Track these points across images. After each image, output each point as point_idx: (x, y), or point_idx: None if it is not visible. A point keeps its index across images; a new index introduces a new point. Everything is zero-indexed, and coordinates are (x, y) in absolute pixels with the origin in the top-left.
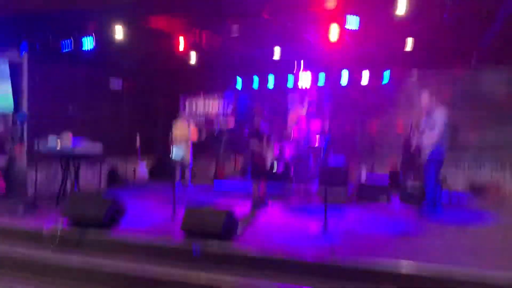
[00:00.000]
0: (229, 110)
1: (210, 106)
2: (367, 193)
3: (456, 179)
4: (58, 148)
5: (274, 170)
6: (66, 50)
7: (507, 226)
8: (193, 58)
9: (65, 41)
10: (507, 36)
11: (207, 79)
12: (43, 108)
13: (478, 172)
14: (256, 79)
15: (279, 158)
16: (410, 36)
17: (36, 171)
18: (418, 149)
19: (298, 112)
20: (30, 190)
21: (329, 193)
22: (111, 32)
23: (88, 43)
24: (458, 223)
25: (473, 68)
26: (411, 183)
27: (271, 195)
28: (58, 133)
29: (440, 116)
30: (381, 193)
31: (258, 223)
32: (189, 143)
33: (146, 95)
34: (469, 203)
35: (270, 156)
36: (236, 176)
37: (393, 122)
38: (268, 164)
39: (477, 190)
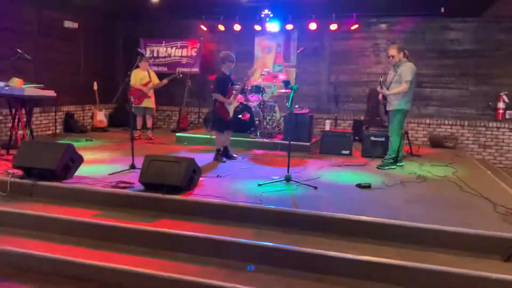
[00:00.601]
0: (194, 54)
1: (173, 51)
2: (330, 145)
3: (417, 133)
4: (7, 91)
5: (239, 120)
6: None
7: (462, 177)
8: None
9: None
10: None
11: (170, 22)
12: None
13: (438, 127)
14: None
15: (243, 108)
16: None
17: None
18: (384, 101)
19: (264, 60)
20: None
21: (293, 146)
22: None
23: None
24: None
25: (442, 16)
26: (374, 135)
27: (235, 147)
28: (7, 78)
29: (406, 71)
30: (343, 144)
31: (222, 173)
32: (152, 90)
33: (104, 36)
34: (427, 156)
35: (234, 106)
36: (200, 127)
37: (360, 71)
38: (231, 114)
39: (436, 143)
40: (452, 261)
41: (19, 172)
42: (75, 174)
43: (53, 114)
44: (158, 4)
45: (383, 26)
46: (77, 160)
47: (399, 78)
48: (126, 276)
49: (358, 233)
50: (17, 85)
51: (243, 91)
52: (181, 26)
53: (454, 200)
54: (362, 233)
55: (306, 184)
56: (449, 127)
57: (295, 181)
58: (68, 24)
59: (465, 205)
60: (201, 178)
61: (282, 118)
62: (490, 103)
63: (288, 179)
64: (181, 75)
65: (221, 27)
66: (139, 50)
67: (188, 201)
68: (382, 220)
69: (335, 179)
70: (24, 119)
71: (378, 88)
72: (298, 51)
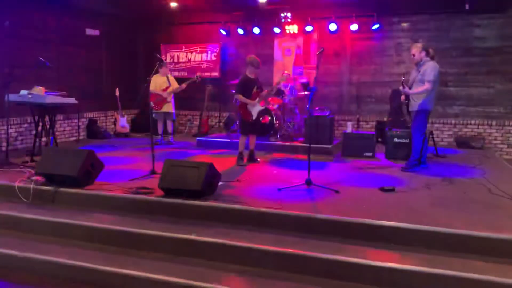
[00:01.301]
0: (213, 59)
1: (193, 56)
2: (353, 147)
3: (442, 134)
4: (29, 99)
5: (260, 123)
6: None
7: (491, 179)
8: (174, 5)
9: None
10: None
11: (189, 27)
12: (12, 58)
13: (464, 127)
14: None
15: (265, 111)
16: None
17: (7, 125)
18: (407, 101)
19: (284, 62)
20: (3, 145)
21: (314, 149)
22: None
23: None
24: (443, 175)
25: (467, 13)
26: (397, 136)
27: (258, 150)
28: (30, 86)
29: (428, 70)
30: (366, 146)
31: (242, 178)
32: (171, 95)
33: (125, 43)
34: (454, 157)
35: (258, 109)
36: (221, 131)
37: (382, 71)
38: (255, 117)
39: (462, 144)
40: (481, 268)
41: (42, 179)
42: (96, 180)
43: (76, 120)
44: (178, 10)
45: (405, 25)
46: (98, 167)
47: (421, 78)
48: (146, 283)
49: (381, 239)
50: (39, 93)
51: (278, 92)
52: (200, 31)
53: (483, 203)
54: (385, 239)
55: (328, 188)
56: (475, 126)
57: (316, 185)
58: (89, 31)
59: (495, 208)
60: (220, 183)
61: (303, 121)
62: None
63: (309, 183)
64: (199, 79)
65: (240, 31)
66: (158, 56)
67: (206, 206)
68: (407, 225)
69: (357, 182)
70: (47, 126)
71: (401, 88)
72: (318, 52)
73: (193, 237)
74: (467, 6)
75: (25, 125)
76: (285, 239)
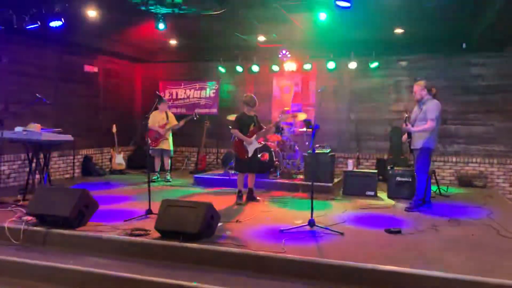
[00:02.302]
0: (212, 95)
1: (192, 93)
2: (354, 186)
3: (443, 172)
4: (25, 136)
5: (259, 162)
6: (31, 26)
7: (498, 220)
8: (173, 43)
9: (30, 17)
10: (497, 24)
11: (188, 64)
12: (8, 94)
13: (466, 166)
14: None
15: (262, 149)
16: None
17: (0, 162)
18: (409, 139)
19: (282, 99)
20: None
21: (314, 187)
22: (83, 9)
23: (56, 20)
24: (448, 216)
25: (464, 52)
26: (399, 175)
27: (257, 188)
28: (25, 123)
29: (431, 108)
30: (368, 185)
31: (241, 218)
32: (169, 132)
33: (123, 79)
34: (457, 196)
35: (255, 146)
36: (219, 168)
37: (381, 109)
38: (250, 154)
39: (464, 182)
40: None
41: (33, 220)
42: (90, 220)
43: (71, 157)
44: (177, 48)
45: (404, 63)
46: (92, 206)
47: (424, 116)
48: None
49: (391, 285)
50: (35, 130)
51: (278, 129)
52: (199, 68)
53: (493, 246)
54: (395, 285)
55: (331, 230)
56: (477, 165)
57: (319, 226)
58: (88, 68)
59: (506, 252)
60: (219, 224)
61: (303, 158)
62: None
63: (312, 224)
64: (197, 116)
65: (239, 69)
66: (157, 92)
67: (205, 249)
68: (417, 271)
69: (361, 223)
70: (42, 164)
71: (403, 125)
72: (319, 90)
73: (192, 284)
74: (464, 46)
75: (19, 162)
76: (288, 286)
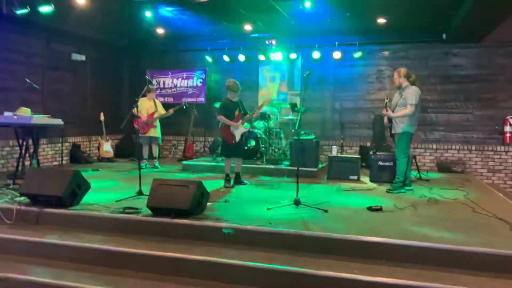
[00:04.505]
0: (199, 85)
1: (179, 82)
2: (338, 170)
3: (424, 159)
4: (15, 120)
5: (246, 147)
6: (21, 11)
7: (473, 200)
8: (160, 31)
9: (20, 2)
10: (476, 14)
11: (176, 54)
12: None
13: (445, 152)
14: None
15: (250, 135)
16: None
17: None
18: (390, 124)
19: (269, 88)
20: None
21: (299, 172)
22: None
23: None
24: (427, 197)
25: (444, 43)
26: (381, 159)
27: (244, 173)
28: (14, 109)
29: (411, 94)
30: (351, 169)
31: (230, 199)
32: (157, 120)
33: (111, 68)
34: (436, 180)
35: (241, 131)
36: (206, 156)
37: (364, 98)
38: (238, 139)
39: (444, 168)
40: (471, 282)
41: (26, 200)
42: (82, 201)
43: (60, 145)
44: (164, 37)
45: (386, 53)
46: (84, 187)
47: (404, 102)
48: None
49: (372, 255)
50: (25, 114)
51: (264, 116)
52: (186, 57)
53: (468, 221)
54: (375, 255)
55: (316, 208)
56: (456, 151)
57: (305, 205)
58: (75, 56)
59: (480, 226)
60: (208, 203)
61: (288, 145)
62: (496, 127)
63: (297, 202)
64: (187, 106)
65: (226, 58)
66: (147, 77)
67: (196, 225)
68: (396, 241)
69: (345, 203)
70: (31, 150)
71: (384, 111)
72: (305, 75)
73: (183, 255)
74: (444, 36)
75: (7, 148)
76: (276, 257)
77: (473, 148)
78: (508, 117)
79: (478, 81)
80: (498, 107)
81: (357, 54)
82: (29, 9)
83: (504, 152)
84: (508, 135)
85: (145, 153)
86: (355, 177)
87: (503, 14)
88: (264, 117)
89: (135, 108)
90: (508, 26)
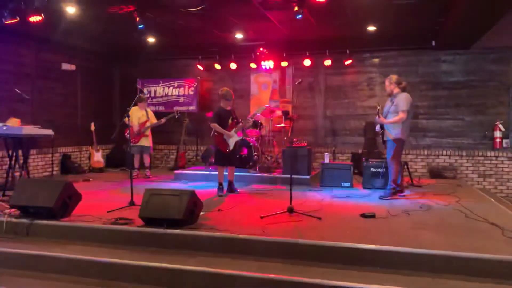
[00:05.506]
0: (191, 93)
1: (170, 90)
2: (331, 177)
3: (416, 165)
4: (4, 131)
5: (238, 155)
6: (10, 21)
7: (465, 205)
8: (151, 40)
9: (9, 12)
10: (463, 22)
11: (167, 62)
12: None
13: (437, 158)
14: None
15: (242, 143)
16: (371, 18)
17: None
18: (382, 130)
19: (260, 96)
20: None
21: (292, 179)
22: (62, 6)
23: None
24: (420, 202)
25: (433, 49)
26: (373, 166)
27: (236, 181)
28: (3, 120)
29: (402, 101)
30: (344, 176)
31: (223, 207)
32: (149, 129)
33: (101, 78)
34: (428, 186)
35: (235, 139)
36: (199, 165)
37: (356, 105)
38: (231, 147)
39: (435, 174)
40: (465, 287)
41: (16, 212)
42: (73, 212)
43: (50, 155)
44: (155, 45)
45: (376, 60)
46: (76, 198)
47: (395, 108)
48: None
49: (366, 262)
50: (14, 124)
51: (256, 125)
52: (177, 66)
53: (461, 226)
54: (370, 262)
55: (310, 215)
56: (447, 157)
57: (298, 212)
58: (65, 66)
59: (473, 231)
60: (201, 212)
61: (281, 153)
62: (486, 132)
63: (290, 210)
64: (178, 114)
65: (217, 66)
66: (138, 87)
67: (189, 235)
68: (390, 248)
69: (338, 210)
70: (21, 161)
71: (376, 117)
72: (296, 83)
73: (176, 266)
74: (433, 43)
75: None
76: (270, 265)
77: (464, 153)
78: (497, 122)
79: (468, 87)
80: (488, 113)
81: (348, 62)
82: (18, 19)
83: (494, 157)
84: (498, 140)
85: (137, 163)
86: (348, 184)
87: (491, 21)
88: (256, 125)
89: (127, 118)
90: (496, 33)
